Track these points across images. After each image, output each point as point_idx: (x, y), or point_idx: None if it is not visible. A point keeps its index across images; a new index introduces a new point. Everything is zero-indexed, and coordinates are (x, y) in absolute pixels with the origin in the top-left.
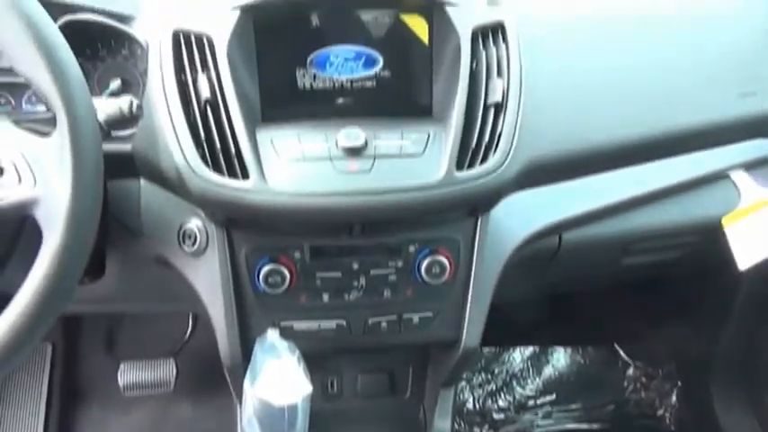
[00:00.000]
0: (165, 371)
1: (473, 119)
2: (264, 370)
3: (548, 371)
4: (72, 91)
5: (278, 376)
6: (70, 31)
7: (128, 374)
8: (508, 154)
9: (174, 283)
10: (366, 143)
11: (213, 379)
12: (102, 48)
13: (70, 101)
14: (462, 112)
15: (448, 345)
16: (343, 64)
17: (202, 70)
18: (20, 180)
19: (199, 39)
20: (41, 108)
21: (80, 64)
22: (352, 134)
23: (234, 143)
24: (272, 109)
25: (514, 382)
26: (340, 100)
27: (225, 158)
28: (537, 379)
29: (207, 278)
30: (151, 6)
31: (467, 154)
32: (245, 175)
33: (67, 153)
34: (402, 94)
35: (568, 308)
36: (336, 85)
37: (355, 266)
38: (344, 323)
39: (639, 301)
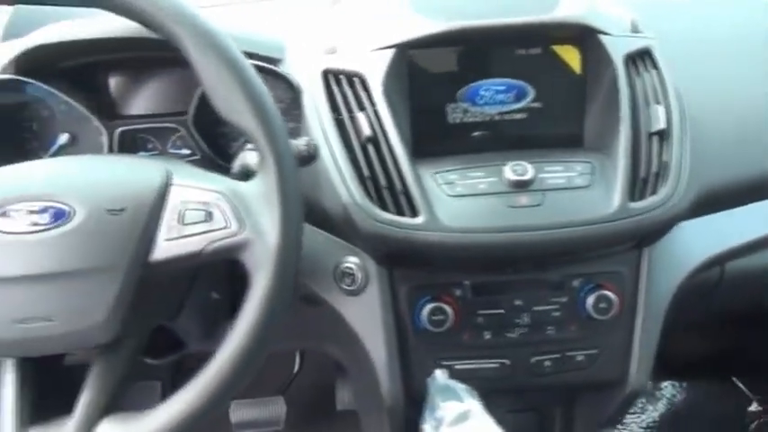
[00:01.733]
0: (276, 409)
1: (638, 148)
2: (447, 414)
3: (661, 406)
4: (277, 135)
5: (464, 421)
6: None
7: (239, 412)
8: (679, 182)
9: (322, 321)
10: (533, 177)
11: (323, 416)
12: None
13: (276, 145)
14: (629, 142)
15: (612, 384)
16: (493, 97)
17: (359, 109)
18: (227, 224)
19: (350, 77)
20: (185, 151)
21: None
22: (519, 168)
23: (400, 180)
24: (424, 144)
25: (628, 418)
26: (490, 133)
27: (391, 196)
28: (652, 414)
29: (366, 317)
30: (297, 48)
31: (636, 185)
32: (414, 212)
33: (275, 195)
34: (552, 126)
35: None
36: (487, 118)
37: (518, 303)
38: (507, 362)
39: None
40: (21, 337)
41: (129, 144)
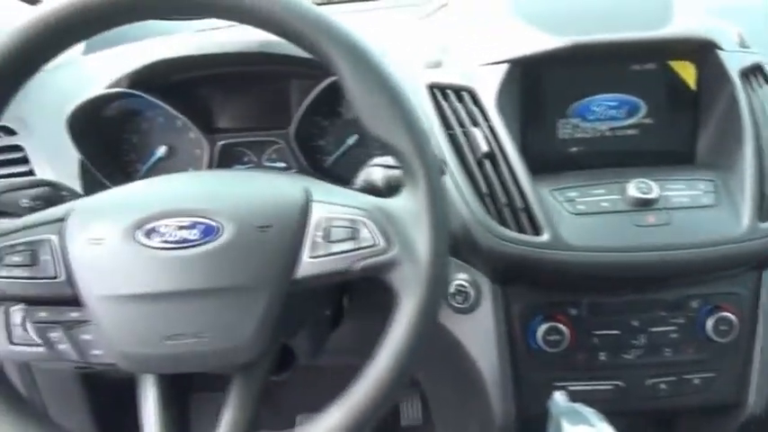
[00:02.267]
0: None
1: (763, 166)
2: None
3: None
4: (427, 154)
5: None
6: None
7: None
8: None
9: None
10: (658, 195)
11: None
12: (341, 105)
13: (427, 163)
14: (754, 159)
15: (729, 409)
16: (604, 113)
17: (473, 124)
18: (375, 242)
19: (458, 92)
20: (281, 164)
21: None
22: (643, 186)
23: (520, 197)
24: (535, 160)
25: None
26: (601, 149)
27: (511, 213)
28: None
29: (478, 335)
30: (395, 63)
31: (764, 204)
32: (537, 230)
33: (425, 213)
34: (664, 142)
35: None
36: (597, 134)
37: (635, 323)
38: (622, 384)
39: None
40: (169, 353)
41: (227, 157)
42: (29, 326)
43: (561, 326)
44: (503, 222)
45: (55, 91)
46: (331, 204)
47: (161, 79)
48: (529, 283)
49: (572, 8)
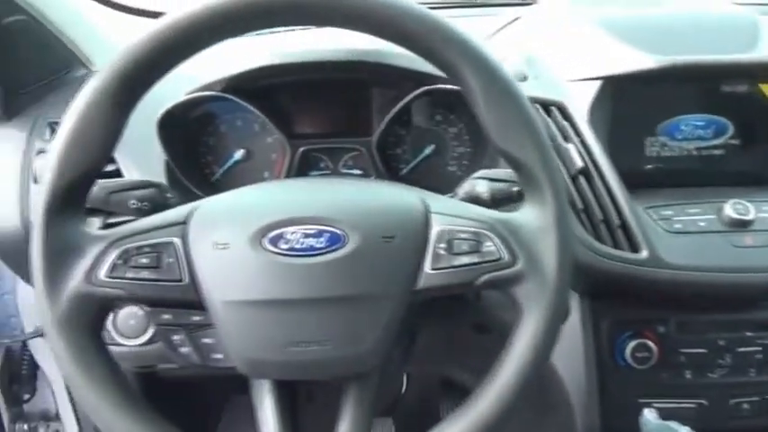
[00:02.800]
0: (384, 430)
1: None
2: None
3: None
4: (555, 169)
5: None
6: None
7: None
8: None
9: (481, 349)
10: (755, 216)
11: None
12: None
13: (554, 178)
14: None
15: None
16: (692, 132)
17: (564, 139)
18: (500, 256)
19: (547, 106)
20: (357, 171)
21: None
22: (740, 207)
23: (617, 213)
24: (622, 178)
25: None
26: (687, 168)
27: (607, 229)
28: None
29: (564, 348)
30: None
31: None
32: (634, 247)
33: (552, 228)
34: (750, 163)
35: None
36: (684, 153)
37: (721, 343)
38: (705, 403)
39: None
40: (291, 360)
41: (303, 163)
42: (152, 328)
43: (650, 343)
44: (598, 238)
45: None
46: (451, 216)
47: (250, 84)
48: (619, 299)
49: (660, 26)
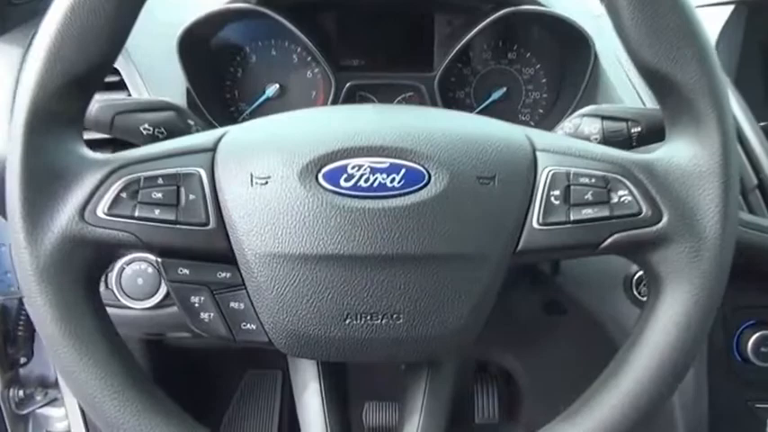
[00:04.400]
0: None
1: None
2: None
3: None
4: (723, 95)
5: None
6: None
7: (372, 415)
8: None
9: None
10: None
11: (460, 428)
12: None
13: (722, 107)
14: None
15: None
16: None
17: None
18: (639, 209)
19: None
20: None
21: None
22: None
23: (754, 171)
24: None
25: None
26: None
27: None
28: None
29: None
30: None
31: None
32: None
33: (716, 172)
34: None
35: None
36: None
37: None
38: None
39: None
40: (348, 337)
41: (349, 101)
42: (165, 285)
43: None
44: None
45: (158, 9)
46: (568, 155)
47: (285, 1)
48: (741, 280)
49: None
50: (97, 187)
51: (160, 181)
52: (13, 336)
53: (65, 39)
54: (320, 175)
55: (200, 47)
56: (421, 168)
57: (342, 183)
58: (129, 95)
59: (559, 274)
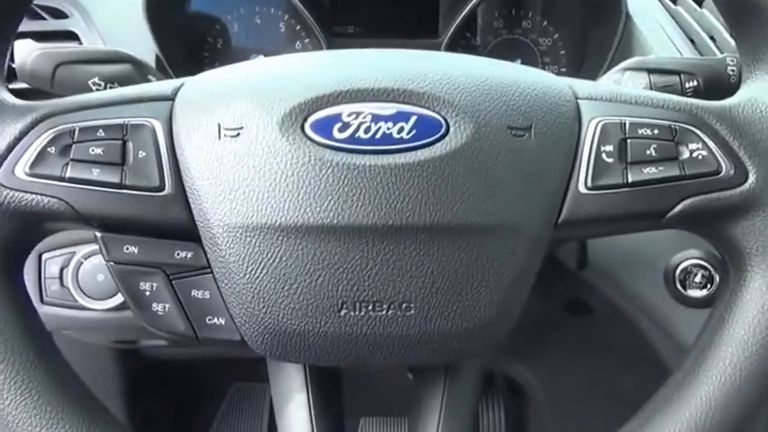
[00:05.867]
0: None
1: None
2: None
3: None
4: None
5: None
6: None
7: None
8: None
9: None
10: None
11: None
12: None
13: None
14: None
15: None
16: None
17: None
18: (718, 167)
19: None
20: None
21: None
22: None
23: None
24: None
25: None
26: None
27: None
28: None
29: None
30: None
31: None
32: None
33: None
34: None
35: None
36: None
37: None
38: None
39: None
40: (345, 333)
41: None
42: (107, 268)
43: None
44: None
45: None
46: (620, 103)
47: None
48: None
49: None
50: (17, 140)
51: (101, 133)
52: None
53: None
54: (307, 125)
55: (173, 9)
56: (437, 116)
57: (335, 133)
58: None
59: (586, 266)
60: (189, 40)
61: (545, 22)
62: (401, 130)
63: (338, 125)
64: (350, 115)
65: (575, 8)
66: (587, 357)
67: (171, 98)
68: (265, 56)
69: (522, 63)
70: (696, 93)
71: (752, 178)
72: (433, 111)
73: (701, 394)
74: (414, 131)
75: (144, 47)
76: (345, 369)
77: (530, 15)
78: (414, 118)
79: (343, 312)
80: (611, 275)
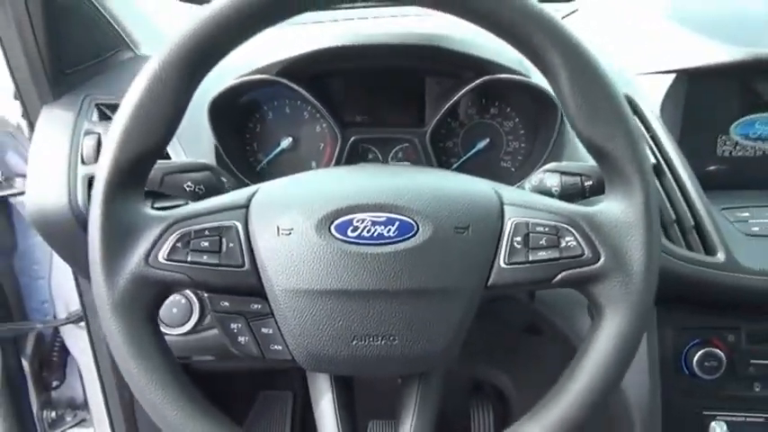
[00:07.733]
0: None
1: None
2: None
3: None
4: (645, 161)
5: None
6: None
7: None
8: None
9: (528, 352)
10: None
11: None
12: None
13: (644, 171)
14: None
15: None
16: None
17: None
18: (582, 252)
19: None
20: (406, 163)
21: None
22: None
23: (691, 214)
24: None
25: None
26: (762, 168)
27: (680, 230)
28: None
29: None
30: None
31: None
32: (708, 250)
33: (640, 223)
34: None
35: None
36: (759, 153)
37: None
38: None
39: None
40: (355, 355)
41: (353, 153)
42: (210, 316)
43: (718, 352)
44: (669, 240)
45: None
46: (527, 208)
47: (305, 69)
48: (686, 305)
49: (732, 15)
50: (158, 239)
51: (206, 233)
52: (48, 361)
53: (140, 118)
54: (332, 227)
55: (226, 109)
56: (411, 221)
57: (349, 233)
58: (169, 156)
59: (534, 301)
60: (236, 129)
61: (508, 109)
62: (389, 230)
63: (351, 228)
64: (358, 221)
65: (529, 103)
66: (546, 368)
67: (246, 206)
68: (293, 137)
69: (490, 141)
70: (592, 188)
71: (602, 259)
72: (408, 217)
73: (573, 389)
74: (396, 231)
75: (206, 140)
76: (356, 378)
77: (496, 104)
78: (397, 222)
79: (354, 342)
80: (552, 307)
